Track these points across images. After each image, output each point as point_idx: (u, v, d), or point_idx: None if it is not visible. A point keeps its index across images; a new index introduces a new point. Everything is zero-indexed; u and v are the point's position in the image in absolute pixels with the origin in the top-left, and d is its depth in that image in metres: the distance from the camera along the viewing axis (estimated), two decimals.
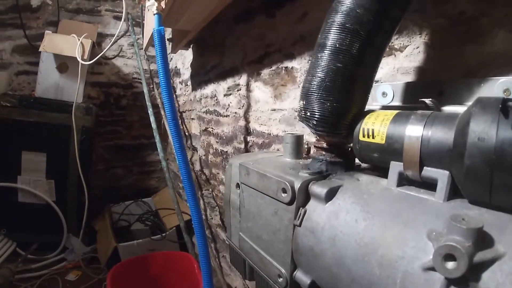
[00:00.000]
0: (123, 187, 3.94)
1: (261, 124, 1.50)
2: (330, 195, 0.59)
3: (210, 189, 2.41)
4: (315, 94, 0.63)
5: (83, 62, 2.84)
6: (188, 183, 1.35)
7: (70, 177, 3.19)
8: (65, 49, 2.92)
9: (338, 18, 0.61)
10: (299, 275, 0.65)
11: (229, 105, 1.93)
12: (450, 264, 0.37)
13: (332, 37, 0.62)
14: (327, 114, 0.62)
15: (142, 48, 3.28)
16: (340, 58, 0.61)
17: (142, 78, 2.92)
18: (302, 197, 0.63)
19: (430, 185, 0.52)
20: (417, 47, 0.79)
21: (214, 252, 2.48)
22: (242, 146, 1.74)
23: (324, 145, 0.68)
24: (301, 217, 0.62)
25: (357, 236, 0.52)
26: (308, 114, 0.64)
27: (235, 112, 1.83)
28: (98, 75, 3.49)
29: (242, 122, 1.73)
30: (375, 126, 0.59)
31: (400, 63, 0.83)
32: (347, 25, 0.60)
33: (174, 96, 3.23)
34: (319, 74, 0.63)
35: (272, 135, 1.41)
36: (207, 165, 2.45)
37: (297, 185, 0.62)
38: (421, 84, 0.74)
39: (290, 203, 0.64)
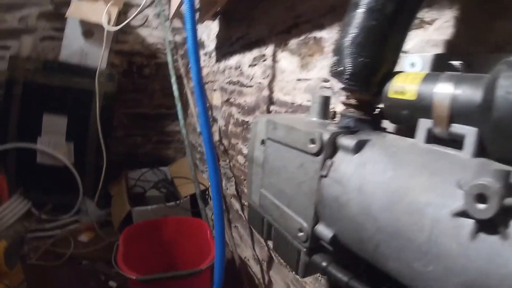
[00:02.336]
0: (140, 155, 3.96)
1: (285, 94, 1.51)
2: (359, 147, 0.61)
3: (228, 160, 2.44)
4: (348, 49, 0.64)
5: (109, 29, 2.85)
6: (209, 145, 1.36)
7: (90, 141, 3.22)
8: (92, 15, 2.93)
9: None
10: (321, 228, 0.67)
11: (253, 75, 1.93)
12: (481, 206, 0.38)
13: None
14: (359, 69, 0.64)
15: (167, 19, 3.29)
16: (374, 16, 0.62)
17: (167, 48, 2.92)
18: (330, 149, 0.64)
19: (457, 144, 0.53)
20: (447, 21, 0.79)
21: (227, 222, 2.52)
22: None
23: (353, 102, 0.69)
24: (328, 168, 0.64)
25: (384, 185, 0.53)
26: (340, 68, 0.65)
27: (259, 82, 1.83)
28: (122, 43, 3.49)
29: (265, 92, 1.73)
30: (406, 84, 0.61)
31: (429, 36, 0.83)
32: None
33: None
34: (353, 31, 0.64)
35: (295, 104, 1.42)
36: (226, 136, 2.47)
37: (325, 136, 0.64)
38: (449, 56, 0.74)
39: (317, 154, 0.65)
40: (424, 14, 0.83)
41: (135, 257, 2.12)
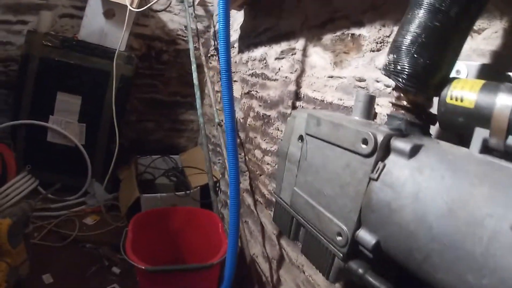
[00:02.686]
0: (152, 141, 3.96)
1: (314, 90, 1.48)
2: (414, 151, 0.58)
3: (243, 153, 2.42)
4: (408, 48, 0.62)
5: (132, 9, 2.83)
6: (231, 133, 1.34)
7: (102, 123, 3.21)
8: None
9: None
10: (363, 234, 0.64)
11: (279, 69, 1.91)
12: None
13: None
14: (419, 70, 0.61)
15: (191, 6, 3.26)
16: (438, 17, 0.60)
17: (189, 35, 2.91)
18: (383, 151, 0.62)
19: (510, 156, 0.52)
20: (496, 32, 0.77)
21: None
22: (289, 111, 1.73)
23: (405, 103, 0.66)
24: (379, 170, 0.61)
25: (443, 193, 0.51)
26: (398, 68, 0.63)
27: (286, 76, 1.80)
28: (143, 27, 3.48)
29: (292, 87, 1.70)
30: (464, 91, 0.58)
31: (477, 45, 0.81)
32: None
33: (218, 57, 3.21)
34: (415, 30, 0.62)
35: (325, 102, 1.39)
36: (243, 129, 2.45)
37: (379, 137, 0.61)
38: (496, 67, 0.73)
39: (369, 155, 0.63)
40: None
41: (142, 245, 2.11)
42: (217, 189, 2.74)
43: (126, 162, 3.47)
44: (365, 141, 0.63)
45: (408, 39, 0.62)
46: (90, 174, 3.21)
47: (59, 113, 3.12)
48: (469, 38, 0.82)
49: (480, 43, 0.81)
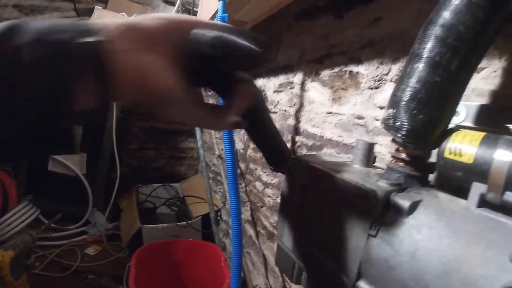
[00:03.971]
0: (152, 169, 3.98)
1: (314, 126, 1.49)
2: (412, 208, 0.58)
3: (244, 184, 2.41)
4: (408, 104, 0.62)
5: None
6: (232, 171, 1.35)
7: (103, 152, 3.24)
8: None
9: (439, 32, 0.60)
10: (363, 285, 0.64)
11: (278, 102, 1.91)
12: None
13: (431, 49, 0.61)
14: (419, 127, 0.61)
15: None
16: (439, 72, 0.60)
17: None
18: (382, 207, 0.62)
19: (508, 210, 0.52)
20: (495, 71, 0.77)
21: None
22: (289, 145, 1.73)
23: (404, 156, 0.67)
24: (378, 227, 0.61)
25: (440, 253, 0.51)
26: (397, 123, 0.63)
27: (285, 110, 1.81)
28: None
29: (291, 121, 1.71)
30: (463, 146, 0.58)
31: (475, 84, 0.81)
32: (448, 40, 0.59)
33: None
34: (414, 85, 0.62)
35: (324, 138, 1.40)
36: (244, 159, 2.44)
37: (379, 194, 0.61)
38: (495, 108, 0.73)
39: (367, 211, 0.63)
40: None
41: (145, 279, 2.12)
42: (218, 218, 2.74)
43: (127, 191, 3.49)
44: (364, 198, 0.63)
45: (407, 94, 0.62)
46: (91, 203, 3.23)
47: None
48: None
49: (479, 82, 0.81)
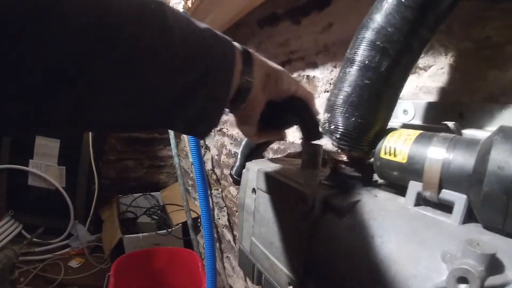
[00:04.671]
0: (132, 179, 3.96)
1: None
2: (349, 209, 0.60)
3: (220, 189, 2.41)
4: (340, 108, 0.63)
5: None
6: (201, 181, 1.36)
7: (81, 165, 3.23)
8: None
9: (369, 35, 0.62)
10: (310, 284, 0.66)
11: None
12: (462, 287, 0.38)
13: (361, 53, 0.62)
14: (351, 129, 0.63)
15: None
16: (368, 75, 0.61)
17: None
18: (320, 209, 0.63)
19: (446, 207, 0.53)
20: (442, 68, 0.79)
21: (218, 252, 2.49)
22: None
23: (344, 158, 0.69)
24: (317, 228, 0.63)
25: (373, 252, 0.52)
26: (332, 127, 0.64)
27: None
28: None
29: None
30: (397, 145, 0.59)
31: (423, 82, 0.83)
32: (377, 43, 0.61)
33: None
34: (346, 89, 0.63)
35: (287, 141, 1.42)
36: (218, 165, 2.45)
37: (316, 197, 0.63)
38: (442, 104, 0.75)
39: (307, 214, 0.64)
40: (419, 60, 0.83)
41: None
42: (199, 224, 2.74)
43: (108, 202, 3.47)
44: (304, 200, 0.65)
45: (340, 98, 0.64)
46: (72, 216, 3.21)
47: (39, 156, 3.15)
48: (415, 76, 0.84)
49: (426, 80, 0.82)
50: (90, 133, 3.07)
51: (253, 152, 1.07)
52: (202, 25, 0.63)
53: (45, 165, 3.19)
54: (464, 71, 0.74)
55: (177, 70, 0.57)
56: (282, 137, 0.93)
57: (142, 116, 0.59)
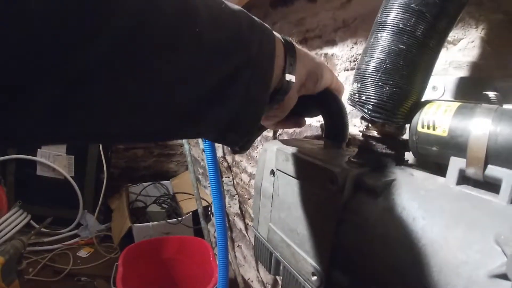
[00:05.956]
0: (142, 168, 3.95)
1: None
2: (384, 188, 0.54)
3: (231, 177, 2.37)
4: (373, 76, 0.57)
5: None
6: (213, 168, 1.32)
7: (90, 154, 3.22)
8: None
9: None
10: (337, 274, 0.60)
11: None
12: None
13: (394, 16, 0.56)
14: (386, 99, 0.57)
15: None
16: (403, 39, 0.55)
17: None
18: (351, 189, 0.57)
19: (490, 186, 0.47)
20: (472, 41, 0.73)
21: (230, 241, 2.45)
22: (271, 134, 1.69)
23: (375, 134, 0.63)
24: (348, 210, 0.57)
25: (414, 236, 0.46)
26: (363, 98, 0.58)
27: None
28: None
29: None
30: (437, 117, 0.53)
31: (453, 57, 0.77)
32: (412, 5, 0.55)
33: None
34: (378, 55, 0.57)
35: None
36: (230, 152, 2.40)
37: (347, 176, 0.57)
38: (474, 80, 0.69)
39: (336, 194, 0.58)
40: None
41: (135, 277, 2.11)
42: (209, 213, 2.71)
43: (118, 191, 3.46)
44: (332, 180, 0.58)
45: (372, 65, 0.58)
46: (81, 205, 3.20)
47: (47, 146, 3.11)
48: (444, 50, 0.78)
49: (456, 54, 0.77)
50: None
51: (262, 127, 1.02)
52: (235, 6, 0.52)
53: (53, 155, 3.18)
54: (497, 44, 0.69)
55: (203, 62, 0.46)
56: (301, 125, 0.84)
57: (154, 122, 0.47)
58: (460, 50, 0.76)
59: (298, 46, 0.64)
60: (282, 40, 0.61)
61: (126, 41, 0.37)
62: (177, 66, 0.43)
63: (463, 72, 0.75)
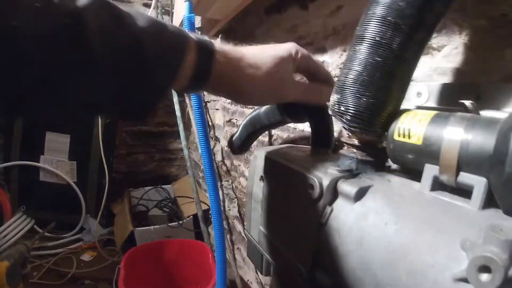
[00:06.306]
0: (143, 173, 3.97)
1: None
2: (360, 194, 0.56)
3: (230, 181, 2.40)
4: (351, 88, 0.60)
5: None
6: (210, 172, 1.35)
7: (92, 159, 3.24)
8: None
9: (379, 10, 0.58)
10: (320, 275, 0.63)
11: None
12: (484, 276, 0.35)
13: (372, 29, 0.59)
14: (362, 110, 0.59)
15: None
16: (379, 52, 0.58)
17: None
18: (329, 195, 0.60)
19: (464, 191, 0.49)
20: (456, 47, 0.75)
21: (229, 243, 2.48)
22: (266, 139, 1.71)
23: (356, 142, 0.65)
24: (327, 215, 0.59)
25: (386, 240, 0.49)
26: (342, 108, 0.61)
27: None
28: None
29: None
30: (412, 126, 0.56)
31: (437, 63, 0.79)
32: (388, 18, 0.57)
33: None
34: (356, 68, 0.60)
35: (297, 129, 1.39)
36: (228, 156, 2.43)
37: (325, 182, 0.60)
38: (458, 86, 0.70)
39: (316, 200, 0.61)
40: (432, 40, 0.79)
41: (137, 280, 2.13)
42: (210, 216, 2.74)
43: (120, 196, 3.48)
44: (311, 186, 0.61)
45: (350, 78, 0.60)
46: (84, 210, 3.22)
47: (49, 152, 3.16)
48: (429, 57, 0.81)
49: (440, 61, 0.79)
50: (100, 128, 3.08)
51: (257, 131, 1.04)
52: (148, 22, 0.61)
53: (56, 161, 3.20)
54: (480, 50, 0.70)
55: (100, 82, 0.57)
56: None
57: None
58: (444, 56, 0.78)
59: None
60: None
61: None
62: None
63: (447, 78, 0.77)
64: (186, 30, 0.66)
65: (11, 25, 0.44)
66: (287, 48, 0.76)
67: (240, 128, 1.05)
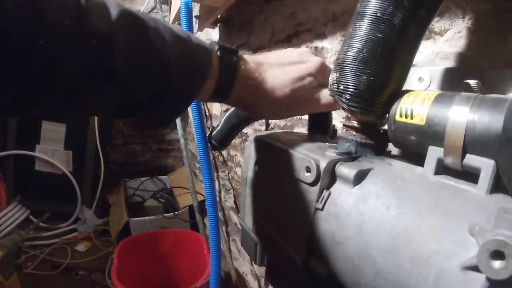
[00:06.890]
0: (140, 163, 3.97)
1: None
2: (359, 177, 0.53)
3: (227, 171, 2.38)
4: (350, 66, 0.57)
5: None
6: (205, 162, 1.32)
7: (88, 149, 3.22)
8: None
9: None
10: (315, 264, 0.60)
11: None
12: (497, 263, 0.31)
13: (373, 5, 0.55)
14: (363, 89, 0.56)
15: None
16: (381, 28, 0.55)
17: None
18: (327, 178, 0.57)
19: (470, 176, 0.46)
20: (459, 32, 0.72)
21: (224, 234, 2.48)
22: (263, 128, 1.70)
23: (355, 124, 0.62)
24: (324, 200, 0.56)
25: (387, 225, 0.46)
26: (341, 87, 0.58)
27: None
28: None
29: None
30: (415, 106, 0.53)
31: (439, 48, 0.77)
32: None
33: None
34: (356, 44, 0.57)
35: (295, 118, 1.37)
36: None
37: (322, 164, 0.57)
38: (461, 70, 0.68)
39: (313, 184, 0.58)
40: (434, 24, 0.77)
41: (130, 270, 2.12)
42: (206, 206, 2.73)
43: (116, 186, 3.47)
44: (308, 169, 0.58)
45: (350, 55, 0.57)
46: (79, 200, 3.21)
47: (45, 141, 3.14)
48: (430, 41, 0.78)
49: (443, 45, 0.76)
50: (96, 118, 3.06)
51: (242, 123, 1.00)
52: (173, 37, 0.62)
53: (51, 150, 3.18)
54: (484, 35, 0.68)
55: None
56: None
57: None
58: (447, 40, 0.75)
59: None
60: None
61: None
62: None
63: (450, 63, 0.74)
64: (209, 43, 0.69)
65: (39, 44, 0.44)
66: (310, 67, 0.75)
67: (222, 121, 1.01)
